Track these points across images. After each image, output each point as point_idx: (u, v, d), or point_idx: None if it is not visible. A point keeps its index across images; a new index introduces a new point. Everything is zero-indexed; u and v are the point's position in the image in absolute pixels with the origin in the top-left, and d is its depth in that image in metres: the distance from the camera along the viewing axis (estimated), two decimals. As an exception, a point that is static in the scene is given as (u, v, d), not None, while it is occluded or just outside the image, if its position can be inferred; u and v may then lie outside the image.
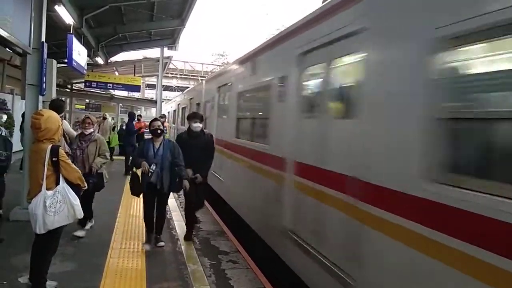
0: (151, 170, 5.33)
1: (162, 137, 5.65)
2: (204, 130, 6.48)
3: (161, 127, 5.66)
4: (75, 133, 6.12)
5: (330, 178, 3.63)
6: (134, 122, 13.31)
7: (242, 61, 7.46)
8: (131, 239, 5.87)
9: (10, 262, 4.61)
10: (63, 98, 19.31)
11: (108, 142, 13.62)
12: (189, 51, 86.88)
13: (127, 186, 9.92)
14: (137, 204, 8.10)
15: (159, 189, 5.45)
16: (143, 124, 15.39)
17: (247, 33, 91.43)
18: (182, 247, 5.70)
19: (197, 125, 6.10)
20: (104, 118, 14.31)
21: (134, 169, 5.77)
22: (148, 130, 14.60)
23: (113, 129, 15.06)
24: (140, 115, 16.01)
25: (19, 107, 12.27)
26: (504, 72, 2.20)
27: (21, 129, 10.55)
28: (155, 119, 5.98)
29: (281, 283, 4.82)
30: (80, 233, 5.75)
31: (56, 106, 5.83)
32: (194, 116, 6.26)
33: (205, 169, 6.23)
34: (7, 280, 4.13)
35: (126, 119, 18.56)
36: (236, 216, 6.78)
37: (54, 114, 4.00)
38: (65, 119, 7.17)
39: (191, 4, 13.07)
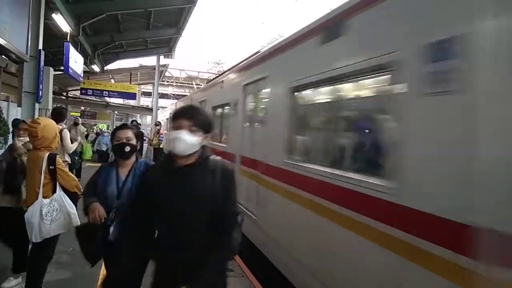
0: (108, 223, 2.94)
1: (134, 158, 3.14)
2: (211, 157, 2.41)
3: (133, 141, 3.07)
4: (72, 147, 5.97)
5: (252, 163, 5.78)
6: None
7: (214, 83, 10.06)
8: (126, 247, 5.84)
9: (5, 271, 4.58)
10: (59, 105, 19.27)
11: (81, 153, 13.19)
12: (185, 59, 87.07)
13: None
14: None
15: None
16: None
17: (243, 41, 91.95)
18: (178, 255, 5.68)
19: (186, 138, 2.19)
20: (76, 124, 12.23)
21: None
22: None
23: (87, 136, 13.63)
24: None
25: (14, 114, 12.23)
26: (316, 106, 4.50)
27: (14, 136, 10.52)
28: (123, 126, 3.24)
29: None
30: (8, 284, 4.26)
31: (57, 113, 5.85)
32: (182, 114, 2.27)
33: (209, 267, 2.16)
34: (1, 289, 4.10)
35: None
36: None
37: (51, 122, 4.01)
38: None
39: (188, 13, 13.19)
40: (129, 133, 3.08)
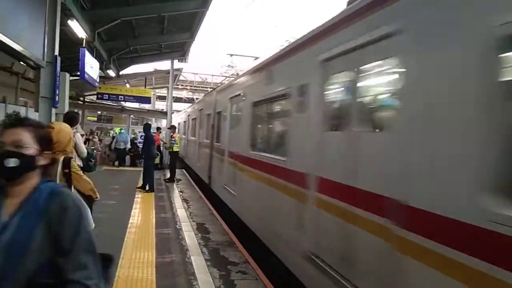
0: None
1: (33, 182, 1.59)
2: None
3: (28, 150, 1.55)
4: (85, 151, 6.03)
5: (219, 148, 8.64)
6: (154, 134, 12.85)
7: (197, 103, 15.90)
8: (141, 249, 5.89)
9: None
10: (75, 110, 19.47)
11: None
12: (199, 63, 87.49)
13: (137, 199, 10.02)
14: (148, 214, 8.15)
15: None
16: (158, 136, 16.36)
17: (257, 44, 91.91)
18: (192, 257, 5.71)
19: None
20: None
21: None
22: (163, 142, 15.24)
23: (86, 142, 13.38)
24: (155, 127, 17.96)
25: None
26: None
27: None
28: (13, 123, 1.59)
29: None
30: None
31: (69, 118, 5.93)
32: None
33: None
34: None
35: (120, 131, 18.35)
36: (245, 226, 6.77)
37: (65, 126, 4.07)
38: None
39: (201, 17, 13.27)
40: (22, 135, 1.58)
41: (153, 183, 11.07)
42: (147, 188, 10.93)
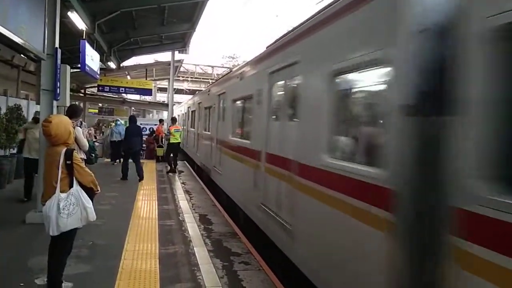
0: None
1: None
2: None
3: None
4: (86, 144, 6.01)
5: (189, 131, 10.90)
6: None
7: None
8: (144, 241, 5.92)
9: (27, 264, 4.70)
10: (76, 103, 19.36)
11: None
12: (200, 54, 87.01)
13: (140, 190, 10.05)
14: (151, 206, 8.19)
15: None
16: (160, 128, 17.07)
17: (257, 34, 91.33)
18: (195, 248, 5.74)
19: None
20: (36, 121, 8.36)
21: None
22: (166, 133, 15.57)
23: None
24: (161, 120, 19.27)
25: (34, 112, 12.49)
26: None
27: None
28: None
29: (293, 284, 4.81)
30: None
31: (71, 111, 5.96)
32: None
33: None
34: (24, 282, 4.20)
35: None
36: (247, 218, 6.79)
37: (64, 119, 4.05)
38: (81, 124, 6.97)
39: (201, 8, 13.16)
40: None
41: (127, 172, 11.58)
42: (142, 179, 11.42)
